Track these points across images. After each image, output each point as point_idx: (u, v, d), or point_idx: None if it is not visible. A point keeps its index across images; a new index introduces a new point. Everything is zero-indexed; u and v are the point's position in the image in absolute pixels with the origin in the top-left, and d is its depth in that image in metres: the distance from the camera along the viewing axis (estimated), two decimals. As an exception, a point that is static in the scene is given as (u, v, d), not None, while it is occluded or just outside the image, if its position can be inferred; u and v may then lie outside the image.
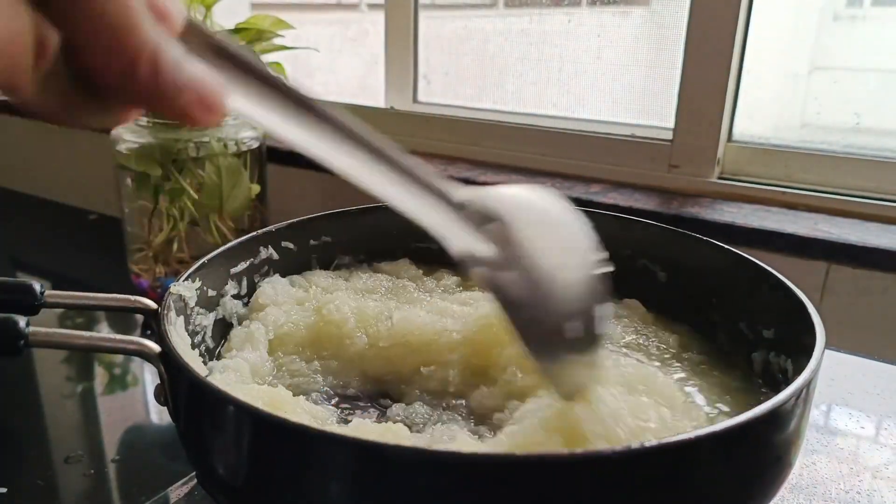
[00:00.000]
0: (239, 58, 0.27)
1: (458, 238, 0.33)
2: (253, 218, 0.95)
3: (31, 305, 0.42)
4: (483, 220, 0.34)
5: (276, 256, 0.55)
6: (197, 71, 0.24)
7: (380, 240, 0.60)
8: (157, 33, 0.23)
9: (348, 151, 0.33)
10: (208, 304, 0.49)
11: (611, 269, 0.35)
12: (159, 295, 0.42)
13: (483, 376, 0.44)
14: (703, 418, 0.40)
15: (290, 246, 0.56)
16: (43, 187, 1.58)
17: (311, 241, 0.58)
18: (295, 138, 0.30)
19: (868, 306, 0.82)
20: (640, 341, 0.49)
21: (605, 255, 0.35)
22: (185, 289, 0.45)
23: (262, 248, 0.54)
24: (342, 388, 0.46)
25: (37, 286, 0.42)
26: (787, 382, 0.33)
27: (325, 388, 0.46)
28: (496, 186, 0.36)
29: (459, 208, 0.33)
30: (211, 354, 0.48)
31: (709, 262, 0.52)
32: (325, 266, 0.59)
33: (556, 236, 0.35)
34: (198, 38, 0.26)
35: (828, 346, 0.38)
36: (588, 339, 0.35)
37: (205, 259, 0.48)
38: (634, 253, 0.57)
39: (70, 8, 0.21)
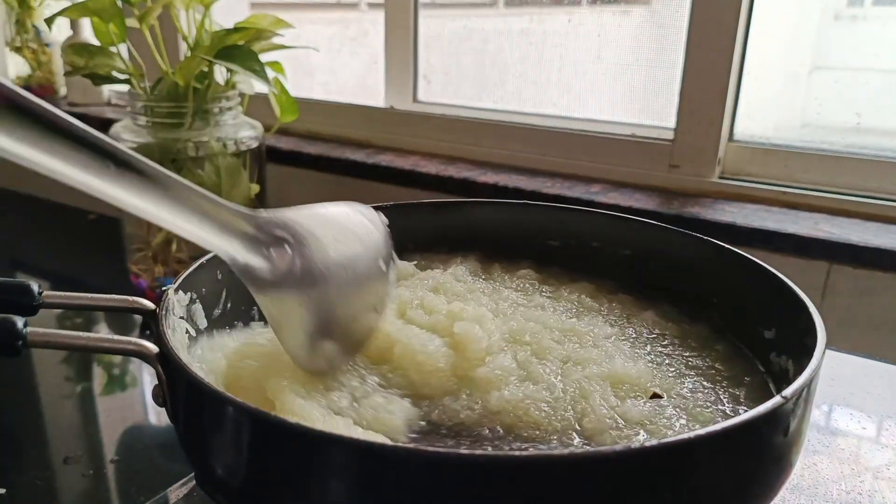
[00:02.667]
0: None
1: (237, 254, 0.37)
2: (252, 218, 0.95)
3: (30, 306, 0.41)
4: (275, 240, 0.37)
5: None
6: None
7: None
8: None
9: (119, 179, 0.32)
10: (207, 304, 0.48)
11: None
12: (158, 295, 0.42)
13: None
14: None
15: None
16: (42, 187, 1.58)
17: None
18: (66, 174, 0.31)
19: (869, 306, 0.82)
20: (640, 341, 0.49)
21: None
22: (183, 289, 0.45)
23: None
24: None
25: (35, 286, 0.42)
26: (788, 382, 0.33)
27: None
28: (298, 208, 0.40)
29: (252, 231, 0.37)
30: (210, 354, 0.48)
31: (709, 262, 0.52)
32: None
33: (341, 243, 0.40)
34: None
35: (829, 346, 0.38)
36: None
37: (203, 259, 0.48)
38: (634, 253, 0.57)
39: None
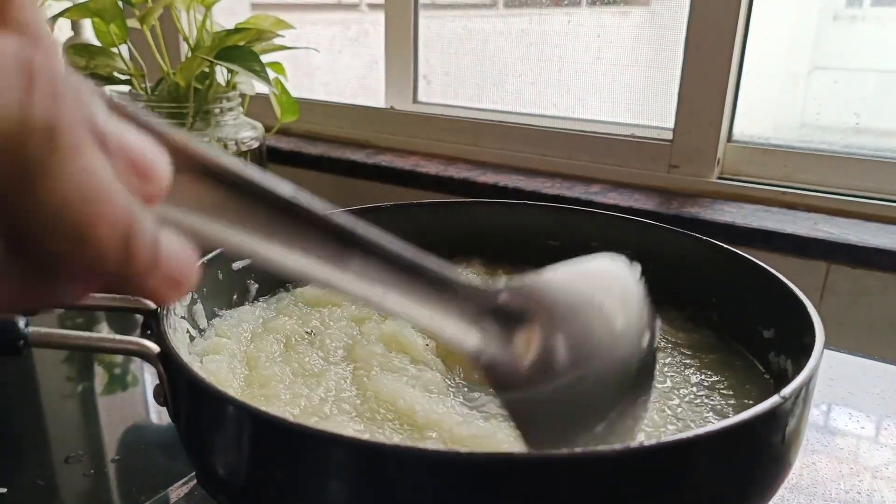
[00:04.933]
0: (236, 176, 0.22)
1: (478, 350, 0.29)
2: (253, 218, 0.95)
3: (31, 305, 0.42)
4: (518, 316, 0.29)
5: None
6: (172, 247, 0.21)
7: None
8: (131, 208, 0.18)
9: (372, 273, 0.26)
10: (208, 304, 0.49)
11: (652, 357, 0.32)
12: (159, 295, 0.42)
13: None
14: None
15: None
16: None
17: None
18: (312, 273, 0.25)
19: (868, 306, 0.82)
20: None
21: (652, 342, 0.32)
22: (184, 289, 0.45)
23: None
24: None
25: (37, 286, 0.42)
26: (787, 382, 0.33)
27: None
28: (545, 273, 0.31)
29: (489, 305, 0.29)
30: (211, 354, 0.48)
31: (709, 262, 0.52)
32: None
33: (589, 332, 0.30)
34: (183, 158, 0.21)
35: (827, 345, 0.38)
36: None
37: (204, 259, 0.48)
38: (634, 253, 0.57)
39: (19, 199, 0.17)
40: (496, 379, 0.29)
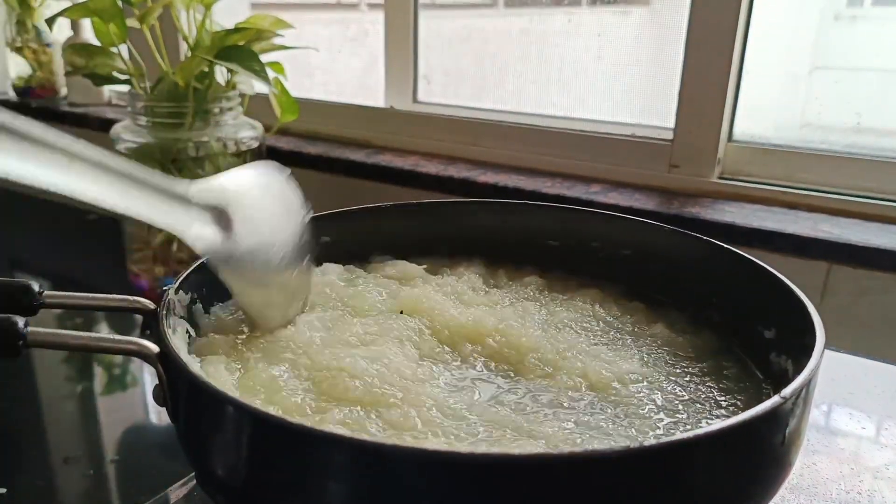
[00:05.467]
0: None
1: (190, 230, 0.40)
2: (253, 218, 0.95)
3: (30, 306, 0.42)
4: (211, 209, 0.40)
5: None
6: None
7: (380, 240, 0.60)
8: None
9: (71, 168, 0.34)
10: (208, 304, 0.49)
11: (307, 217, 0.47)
12: (158, 295, 0.42)
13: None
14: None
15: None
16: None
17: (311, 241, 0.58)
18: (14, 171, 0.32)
19: (868, 306, 0.82)
20: (633, 338, 0.49)
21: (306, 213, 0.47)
22: (184, 289, 0.45)
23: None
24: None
25: (35, 286, 0.42)
26: (788, 382, 0.33)
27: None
28: (220, 175, 0.43)
29: (189, 203, 0.39)
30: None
31: (709, 262, 0.52)
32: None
33: (267, 211, 0.45)
34: None
35: (828, 346, 0.38)
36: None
37: (204, 259, 0.48)
38: (634, 253, 0.57)
39: None
40: (210, 253, 0.41)
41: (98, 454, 0.65)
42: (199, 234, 0.40)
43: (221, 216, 0.41)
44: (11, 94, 1.65)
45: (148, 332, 0.42)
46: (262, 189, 0.45)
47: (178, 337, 0.43)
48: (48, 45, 1.59)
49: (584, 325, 0.51)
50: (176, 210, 0.39)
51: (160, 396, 0.38)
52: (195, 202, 0.40)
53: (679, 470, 0.30)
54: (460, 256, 0.60)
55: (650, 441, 0.29)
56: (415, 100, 1.27)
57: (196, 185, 0.40)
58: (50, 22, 0.91)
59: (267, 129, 0.99)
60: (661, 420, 0.40)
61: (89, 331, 0.91)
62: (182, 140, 0.88)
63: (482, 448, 0.36)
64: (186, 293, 0.46)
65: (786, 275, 0.45)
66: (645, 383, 0.43)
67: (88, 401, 0.76)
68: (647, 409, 0.41)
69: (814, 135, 0.98)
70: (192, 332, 0.46)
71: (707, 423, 0.40)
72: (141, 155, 0.89)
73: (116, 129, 0.93)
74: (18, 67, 1.63)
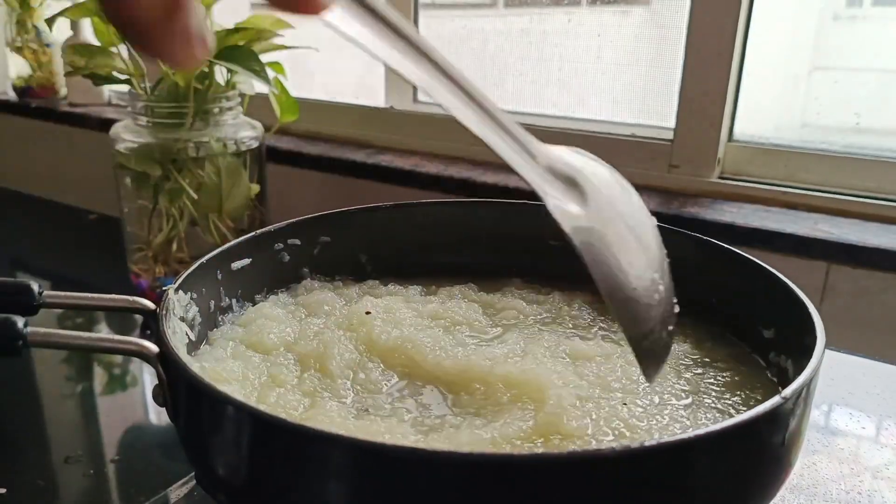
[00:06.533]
0: None
1: (552, 195, 0.34)
2: (252, 218, 0.95)
3: (30, 306, 0.42)
4: (565, 180, 0.35)
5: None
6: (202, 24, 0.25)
7: (380, 240, 0.60)
8: None
9: (448, 87, 0.31)
10: (208, 304, 0.49)
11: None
12: (158, 295, 0.42)
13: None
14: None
15: (297, 242, 0.56)
16: (42, 187, 1.58)
17: (311, 241, 0.58)
18: (394, 62, 0.30)
19: (868, 306, 0.82)
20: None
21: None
22: (184, 289, 0.45)
23: (261, 248, 0.54)
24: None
25: (35, 286, 0.42)
26: (788, 382, 0.33)
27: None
28: (563, 149, 0.37)
29: (545, 166, 0.34)
30: (210, 354, 0.48)
31: (709, 262, 0.52)
32: (325, 264, 0.58)
33: (627, 213, 0.38)
34: None
35: (828, 346, 0.38)
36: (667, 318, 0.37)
37: (204, 259, 0.48)
38: (634, 253, 0.57)
39: None
40: (560, 217, 0.34)
41: (98, 454, 0.65)
42: (559, 202, 0.34)
43: (573, 188, 0.35)
44: (11, 95, 1.65)
45: (148, 332, 0.42)
46: (604, 171, 0.39)
47: (177, 337, 0.43)
48: (48, 45, 1.59)
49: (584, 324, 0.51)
50: (532, 164, 0.34)
51: (160, 396, 0.38)
52: (551, 165, 0.35)
53: (679, 470, 0.30)
54: (460, 257, 0.60)
55: (650, 441, 0.29)
56: (415, 100, 1.27)
57: (547, 148, 0.35)
58: (50, 22, 0.91)
59: (267, 129, 0.99)
60: (662, 420, 0.40)
61: (89, 331, 0.91)
62: (182, 140, 0.88)
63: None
64: (186, 293, 0.46)
65: (785, 275, 0.45)
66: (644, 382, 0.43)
67: (88, 401, 0.76)
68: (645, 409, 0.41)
69: (813, 135, 0.98)
70: (191, 334, 0.46)
71: (706, 423, 0.40)
72: (141, 155, 0.89)
73: (116, 129, 0.93)
74: (18, 67, 1.62)
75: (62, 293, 0.44)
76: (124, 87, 0.93)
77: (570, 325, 0.52)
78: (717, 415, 0.42)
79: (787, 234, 0.85)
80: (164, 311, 0.41)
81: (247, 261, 0.52)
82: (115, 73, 0.90)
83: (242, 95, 0.95)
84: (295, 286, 0.56)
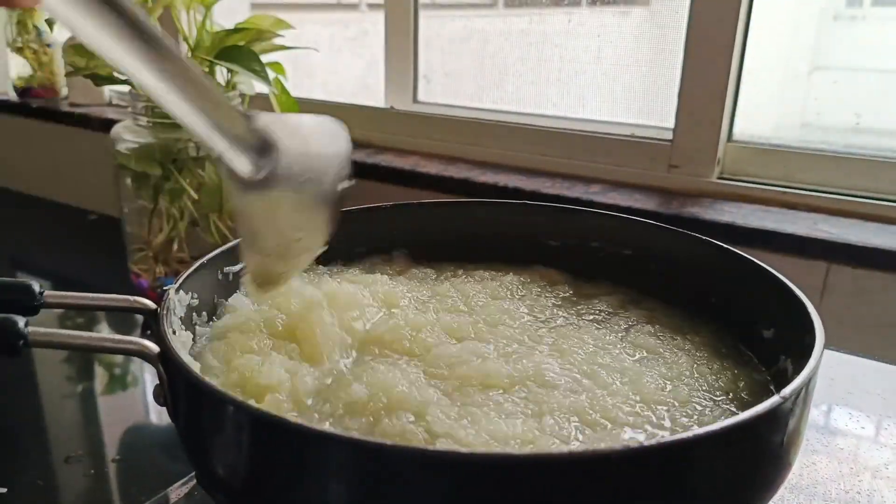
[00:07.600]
0: None
1: (236, 158, 0.37)
2: (253, 218, 0.95)
3: (31, 306, 0.42)
4: (262, 143, 0.38)
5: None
6: None
7: (380, 240, 0.60)
8: None
9: (148, 59, 0.32)
10: (208, 304, 0.49)
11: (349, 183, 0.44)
12: (159, 295, 0.42)
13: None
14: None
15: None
16: (43, 187, 1.58)
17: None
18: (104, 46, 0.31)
19: (868, 306, 0.82)
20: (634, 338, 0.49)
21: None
22: (184, 289, 0.45)
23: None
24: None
25: (36, 286, 0.42)
26: (787, 382, 0.33)
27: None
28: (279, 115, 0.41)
29: (249, 129, 0.37)
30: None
31: (709, 262, 0.52)
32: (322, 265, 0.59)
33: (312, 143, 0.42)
34: None
35: (827, 345, 0.38)
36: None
37: (204, 259, 0.48)
38: (634, 253, 0.57)
39: None
40: (235, 181, 0.38)
41: (99, 454, 0.65)
42: (235, 163, 0.38)
43: (265, 143, 0.38)
44: (12, 95, 1.65)
45: (148, 332, 0.42)
46: (311, 124, 0.44)
47: (178, 337, 0.43)
48: (49, 45, 1.59)
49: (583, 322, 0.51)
50: (222, 115, 0.36)
51: (160, 396, 0.38)
52: (245, 118, 0.38)
53: (679, 470, 0.30)
54: (460, 257, 0.60)
55: (650, 441, 0.29)
56: (415, 100, 1.27)
57: (253, 116, 0.38)
58: (50, 22, 0.91)
59: (267, 129, 0.99)
60: (661, 419, 0.40)
61: (89, 331, 0.92)
62: (182, 140, 0.88)
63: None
64: (187, 293, 0.46)
65: (785, 274, 0.45)
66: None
67: (89, 400, 0.76)
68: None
69: (813, 135, 0.98)
70: (191, 333, 0.46)
71: (706, 423, 0.40)
72: (141, 155, 0.89)
73: (117, 130, 0.93)
74: (19, 68, 1.62)
75: (63, 293, 0.44)
76: (125, 88, 0.93)
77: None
78: (715, 414, 0.42)
79: (786, 234, 0.85)
80: (164, 311, 0.41)
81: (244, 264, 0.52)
82: (115, 73, 0.90)
83: (243, 95, 0.95)
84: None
